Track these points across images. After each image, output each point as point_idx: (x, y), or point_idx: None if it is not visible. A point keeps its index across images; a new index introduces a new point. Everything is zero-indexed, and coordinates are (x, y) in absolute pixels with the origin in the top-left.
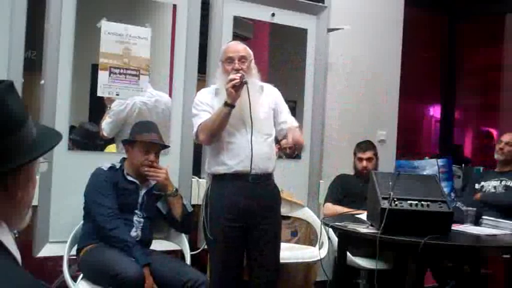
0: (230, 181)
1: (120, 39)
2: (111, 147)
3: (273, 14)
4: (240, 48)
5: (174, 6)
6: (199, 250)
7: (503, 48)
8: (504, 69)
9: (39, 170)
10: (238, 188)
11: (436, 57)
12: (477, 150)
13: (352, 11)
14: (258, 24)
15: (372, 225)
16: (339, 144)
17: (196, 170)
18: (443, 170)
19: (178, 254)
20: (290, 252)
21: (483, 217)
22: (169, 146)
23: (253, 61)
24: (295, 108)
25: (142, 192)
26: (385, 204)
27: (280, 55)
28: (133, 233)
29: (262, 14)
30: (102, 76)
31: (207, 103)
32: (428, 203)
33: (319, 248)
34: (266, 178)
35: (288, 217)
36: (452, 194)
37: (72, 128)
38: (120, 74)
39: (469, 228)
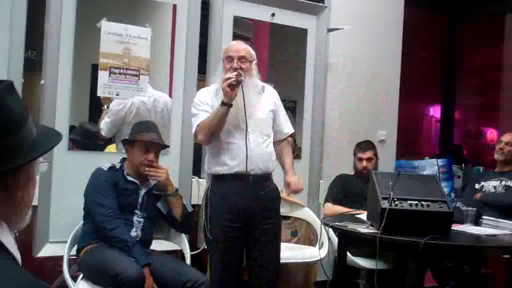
0: (230, 181)
1: (120, 39)
2: (111, 147)
3: (273, 14)
4: (241, 48)
5: (174, 6)
6: (199, 250)
7: (503, 48)
8: (504, 69)
9: (39, 170)
10: (238, 188)
11: (436, 57)
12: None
13: (352, 11)
14: (258, 24)
15: (372, 225)
16: (339, 144)
17: (196, 170)
18: (443, 170)
19: (178, 254)
20: (290, 252)
21: (483, 217)
22: (169, 146)
23: (254, 62)
24: (295, 108)
25: (142, 192)
26: (385, 204)
27: (280, 55)
28: (133, 233)
29: (262, 14)
30: (102, 76)
31: (207, 103)
32: (428, 203)
33: (319, 248)
34: (266, 178)
35: (288, 217)
36: (452, 194)
37: (72, 128)
38: (120, 74)
39: (469, 228)
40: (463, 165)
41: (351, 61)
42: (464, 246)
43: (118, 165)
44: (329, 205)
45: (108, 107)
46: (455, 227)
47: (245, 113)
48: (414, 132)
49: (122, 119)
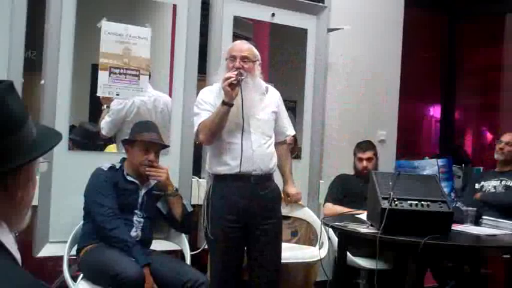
0: (231, 181)
1: (120, 39)
2: (111, 147)
3: (273, 14)
4: (244, 47)
5: (174, 6)
6: (199, 250)
7: (503, 48)
8: (504, 69)
9: (39, 170)
10: (238, 189)
11: (436, 57)
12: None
13: (352, 11)
14: (258, 24)
15: (372, 225)
16: (339, 144)
17: (196, 170)
18: (443, 170)
19: (178, 254)
20: (290, 252)
21: (483, 217)
22: (168, 146)
23: (258, 63)
24: (295, 108)
25: (142, 192)
26: (385, 204)
27: (280, 55)
28: (133, 233)
29: (262, 14)
30: (102, 76)
31: (209, 102)
32: (428, 203)
33: (319, 248)
34: (267, 179)
35: (288, 217)
36: (452, 194)
37: (72, 128)
38: (120, 74)
39: (469, 228)
40: (463, 165)
41: (351, 61)
42: (464, 246)
43: (118, 165)
44: (329, 205)
45: (108, 107)
46: (455, 227)
47: (242, 112)
48: (414, 132)
49: (122, 119)
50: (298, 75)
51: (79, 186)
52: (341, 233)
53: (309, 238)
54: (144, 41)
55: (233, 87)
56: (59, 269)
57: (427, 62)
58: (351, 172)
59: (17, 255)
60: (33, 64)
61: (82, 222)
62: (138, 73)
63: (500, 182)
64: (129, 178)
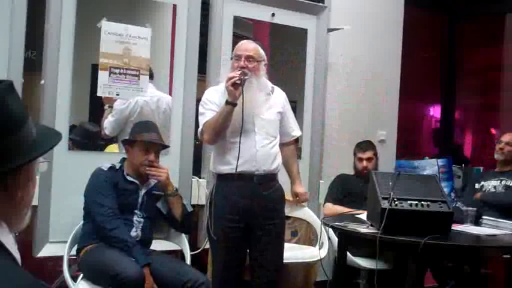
0: (233, 181)
1: (120, 39)
2: (112, 147)
3: (273, 14)
4: (250, 47)
5: (174, 6)
6: (199, 250)
7: (503, 48)
8: (504, 69)
9: (39, 170)
10: (240, 188)
11: (436, 57)
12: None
13: (352, 11)
14: (258, 24)
15: (372, 225)
16: (339, 144)
17: (196, 170)
18: (443, 170)
19: (178, 254)
20: (290, 252)
21: (483, 217)
22: (169, 146)
23: (263, 63)
24: (295, 108)
25: (142, 192)
26: (385, 204)
27: (280, 55)
28: (133, 233)
29: (262, 14)
30: (102, 76)
31: (215, 102)
32: (428, 203)
33: (319, 248)
34: (271, 179)
35: (288, 217)
36: (452, 194)
37: (72, 128)
38: (120, 74)
39: (469, 228)
40: (463, 165)
41: (351, 61)
42: (464, 246)
43: (118, 166)
44: (329, 205)
45: (110, 107)
46: (455, 227)
47: (242, 112)
48: (414, 132)
49: (126, 118)
50: (298, 75)
51: (79, 186)
52: (341, 233)
53: (309, 238)
54: (144, 41)
55: (236, 86)
56: (59, 269)
57: (427, 62)
58: (351, 172)
59: (17, 255)
60: (33, 64)
61: (82, 222)
62: (138, 73)
63: (500, 182)
64: (129, 178)
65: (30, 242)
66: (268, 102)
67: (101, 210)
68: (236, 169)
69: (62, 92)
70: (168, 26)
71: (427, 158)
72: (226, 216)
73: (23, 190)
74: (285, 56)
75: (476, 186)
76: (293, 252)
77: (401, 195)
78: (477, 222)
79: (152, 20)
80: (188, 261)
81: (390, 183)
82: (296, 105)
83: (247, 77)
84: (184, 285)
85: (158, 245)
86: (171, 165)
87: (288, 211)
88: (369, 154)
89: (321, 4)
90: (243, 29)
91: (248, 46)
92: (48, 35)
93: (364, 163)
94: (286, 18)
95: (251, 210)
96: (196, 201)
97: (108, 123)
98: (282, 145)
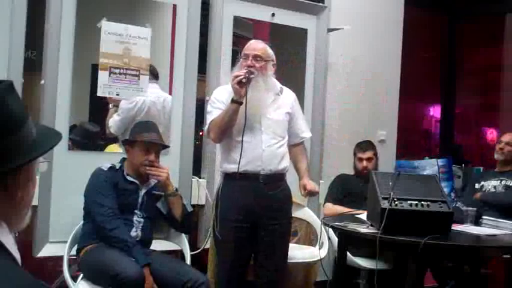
0: (239, 180)
1: (120, 39)
2: (112, 147)
3: (273, 14)
4: (258, 47)
5: (174, 6)
6: (199, 250)
7: (503, 48)
8: (504, 69)
9: (39, 170)
10: (245, 188)
11: (436, 57)
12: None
13: (352, 11)
14: (258, 24)
15: (372, 225)
16: (339, 144)
17: (196, 170)
18: (443, 170)
19: (178, 254)
20: (290, 252)
21: (483, 217)
22: (169, 146)
23: (272, 63)
24: None
25: (142, 192)
26: (385, 204)
27: (280, 55)
28: (133, 233)
29: (262, 14)
30: (102, 76)
31: (222, 100)
32: (428, 203)
33: (319, 248)
34: (278, 179)
35: None
36: (452, 194)
37: (72, 128)
38: (120, 74)
39: (469, 228)
40: (463, 165)
41: (351, 61)
42: (464, 246)
43: (118, 166)
44: (329, 205)
45: (116, 106)
46: (455, 227)
47: (245, 111)
48: (414, 132)
49: (132, 118)
50: (298, 75)
51: (79, 186)
52: (341, 233)
53: (309, 238)
54: (144, 41)
55: (242, 85)
56: (59, 269)
57: (427, 62)
58: (351, 172)
59: (17, 256)
60: (33, 64)
61: (82, 222)
62: (138, 73)
63: (500, 182)
64: (129, 178)
65: (30, 242)
66: (277, 102)
67: (101, 210)
68: (238, 168)
69: (62, 92)
70: (168, 26)
71: (427, 158)
72: (230, 216)
73: (23, 190)
74: (285, 56)
75: (476, 186)
76: (293, 252)
77: (401, 195)
78: (477, 222)
79: (152, 20)
80: (188, 261)
81: (390, 183)
82: None
83: (254, 75)
84: (184, 285)
85: (158, 245)
86: (171, 165)
87: None
88: (369, 154)
89: (321, 4)
90: (243, 29)
91: (256, 46)
92: (48, 35)
93: (364, 163)
94: (286, 18)
95: (255, 210)
96: (196, 201)
97: (114, 122)
98: (291, 146)
